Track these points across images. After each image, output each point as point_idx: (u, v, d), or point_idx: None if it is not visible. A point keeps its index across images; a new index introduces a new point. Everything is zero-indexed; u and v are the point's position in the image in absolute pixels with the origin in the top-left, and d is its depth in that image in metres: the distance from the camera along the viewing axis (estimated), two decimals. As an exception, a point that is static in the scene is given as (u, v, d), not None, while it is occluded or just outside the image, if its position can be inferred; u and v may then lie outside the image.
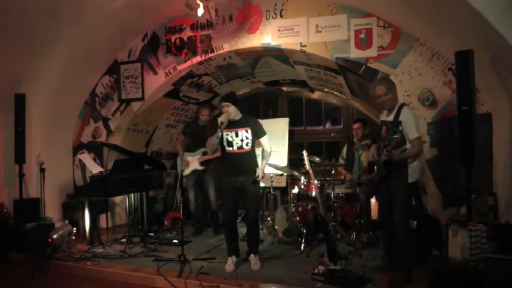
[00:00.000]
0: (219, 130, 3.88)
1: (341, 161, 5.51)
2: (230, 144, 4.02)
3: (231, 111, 3.96)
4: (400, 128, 3.28)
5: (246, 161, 4.04)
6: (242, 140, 4.00)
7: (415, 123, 3.38)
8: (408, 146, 3.39)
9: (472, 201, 3.50)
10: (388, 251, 3.77)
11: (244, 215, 5.12)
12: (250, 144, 4.03)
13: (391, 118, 3.48)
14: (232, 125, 4.01)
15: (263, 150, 4.22)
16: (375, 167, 3.61)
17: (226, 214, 4.16)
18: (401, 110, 3.41)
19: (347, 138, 6.29)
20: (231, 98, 4.06)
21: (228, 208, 4.14)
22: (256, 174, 4.02)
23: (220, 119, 3.92)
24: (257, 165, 4.14)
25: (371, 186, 5.01)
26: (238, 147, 4.01)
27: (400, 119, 3.38)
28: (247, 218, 4.23)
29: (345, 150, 5.51)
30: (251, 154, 4.08)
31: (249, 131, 4.01)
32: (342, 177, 5.79)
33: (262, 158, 4.25)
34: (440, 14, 3.68)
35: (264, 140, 4.14)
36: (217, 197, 5.65)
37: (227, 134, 4.01)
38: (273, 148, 4.30)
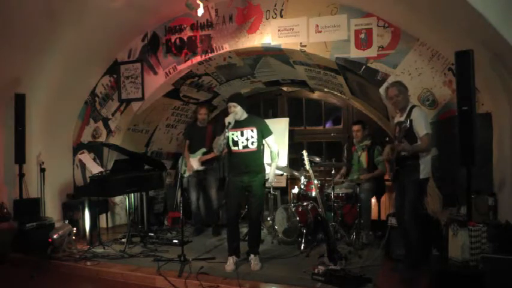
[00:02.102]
0: (226, 130, 3.89)
1: (344, 161, 5.51)
2: (235, 143, 4.04)
3: (238, 112, 3.98)
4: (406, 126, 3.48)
5: (252, 160, 4.05)
6: (247, 139, 4.01)
7: (424, 121, 3.56)
8: (418, 142, 3.56)
9: (472, 201, 3.51)
10: (406, 250, 3.81)
11: (245, 214, 5.13)
12: (256, 144, 4.04)
13: (403, 118, 3.65)
14: (238, 124, 4.02)
15: (271, 152, 4.21)
16: (388, 165, 3.85)
17: (230, 214, 4.15)
18: (412, 110, 3.60)
19: (347, 138, 6.29)
20: (237, 98, 4.09)
21: (231, 208, 4.13)
22: (267, 177, 4.05)
23: (227, 119, 3.92)
24: (263, 165, 4.17)
25: (371, 185, 5.04)
26: (243, 147, 4.02)
27: (411, 118, 3.56)
28: (250, 218, 4.22)
29: (345, 151, 5.53)
30: (257, 153, 4.09)
31: (255, 130, 4.03)
32: (344, 176, 5.79)
33: (271, 161, 4.22)
34: (440, 14, 3.69)
35: (270, 139, 4.15)
36: (219, 197, 5.66)
37: (232, 134, 4.02)
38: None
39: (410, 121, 3.56)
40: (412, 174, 3.58)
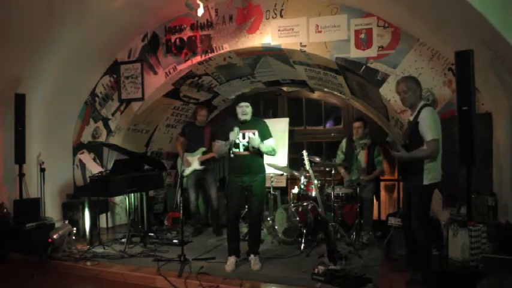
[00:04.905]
0: (228, 143, 3.93)
1: (340, 155, 5.47)
2: (237, 145, 4.05)
3: (248, 112, 4.03)
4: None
5: (252, 162, 4.06)
6: (248, 142, 4.02)
7: (430, 125, 3.32)
8: (424, 147, 3.36)
9: (472, 201, 3.50)
10: (408, 252, 3.79)
11: (245, 214, 5.13)
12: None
13: (412, 118, 3.52)
14: (241, 126, 4.03)
15: None
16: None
17: (230, 214, 4.16)
18: (422, 111, 3.40)
19: (347, 136, 6.28)
20: (248, 99, 4.14)
21: (232, 208, 4.14)
22: (257, 141, 3.95)
23: (231, 137, 3.93)
24: (263, 166, 4.20)
25: (372, 185, 5.05)
26: (244, 149, 4.03)
27: (418, 120, 3.39)
28: (250, 218, 4.24)
29: (344, 144, 5.47)
30: (257, 156, 4.10)
31: (256, 133, 4.04)
32: (340, 177, 5.79)
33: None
34: (440, 14, 3.69)
35: (270, 142, 4.16)
36: (219, 197, 5.66)
37: (234, 129, 4.02)
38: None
39: (417, 123, 3.38)
40: (415, 178, 3.39)
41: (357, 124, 5.26)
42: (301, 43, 4.89)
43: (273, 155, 4.18)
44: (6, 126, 5.44)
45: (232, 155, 4.03)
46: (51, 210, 5.69)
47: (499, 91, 3.76)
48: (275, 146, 4.23)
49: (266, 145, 4.06)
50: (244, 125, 4.05)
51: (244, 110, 4.01)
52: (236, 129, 3.95)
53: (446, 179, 4.21)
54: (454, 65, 3.65)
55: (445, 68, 4.31)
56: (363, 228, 4.89)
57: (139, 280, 4.00)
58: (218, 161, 6.10)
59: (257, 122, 4.15)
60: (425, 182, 3.35)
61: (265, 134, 4.11)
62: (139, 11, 5.24)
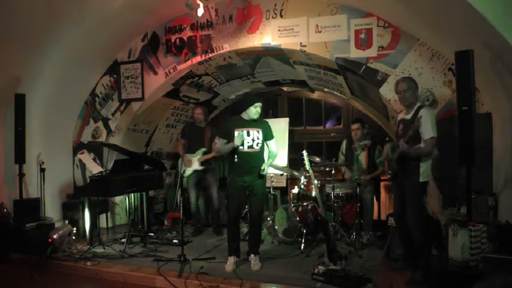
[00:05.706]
0: (232, 145, 3.98)
1: (341, 156, 5.49)
2: (241, 143, 4.05)
3: (259, 112, 4.09)
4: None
5: (255, 160, 4.08)
6: (253, 140, 4.06)
7: (431, 124, 3.46)
8: (422, 145, 3.49)
9: (472, 201, 3.50)
10: (405, 251, 3.82)
11: (246, 214, 5.14)
12: (260, 145, 4.09)
13: (409, 116, 3.60)
14: (246, 124, 4.07)
15: (270, 151, 4.26)
16: (388, 164, 3.74)
17: (231, 214, 4.16)
18: (420, 110, 3.52)
19: (347, 137, 6.28)
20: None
21: (233, 207, 4.15)
22: (262, 168, 4.06)
23: (236, 142, 3.97)
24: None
25: (373, 185, 5.04)
26: (248, 147, 4.05)
27: (418, 117, 3.46)
28: (250, 218, 4.24)
29: (344, 145, 5.49)
30: (260, 155, 4.13)
31: (260, 132, 4.09)
32: (342, 176, 5.78)
33: (269, 157, 4.27)
34: (440, 14, 3.69)
35: (271, 142, 4.22)
36: (220, 197, 5.66)
37: (239, 133, 4.04)
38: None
39: (417, 121, 3.47)
40: (412, 176, 3.51)
41: (354, 126, 5.25)
42: (301, 43, 4.89)
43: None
44: (6, 126, 5.44)
45: (235, 157, 4.05)
46: (51, 210, 5.69)
47: (499, 91, 3.76)
48: (275, 147, 4.27)
49: (270, 162, 4.23)
50: (248, 123, 4.08)
51: (259, 111, 4.08)
52: (239, 133, 3.98)
53: (446, 179, 4.22)
54: (454, 65, 3.65)
55: (445, 68, 4.32)
56: (363, 228, 4.89)
57: (139, 280, 4.00)
58: (218, 160, 6.10)
59: (261, 122, 4.19)
60: (421, 179, 3.51)
61: (268, 135, 4.16)
62: (139, 11, 5.24)
